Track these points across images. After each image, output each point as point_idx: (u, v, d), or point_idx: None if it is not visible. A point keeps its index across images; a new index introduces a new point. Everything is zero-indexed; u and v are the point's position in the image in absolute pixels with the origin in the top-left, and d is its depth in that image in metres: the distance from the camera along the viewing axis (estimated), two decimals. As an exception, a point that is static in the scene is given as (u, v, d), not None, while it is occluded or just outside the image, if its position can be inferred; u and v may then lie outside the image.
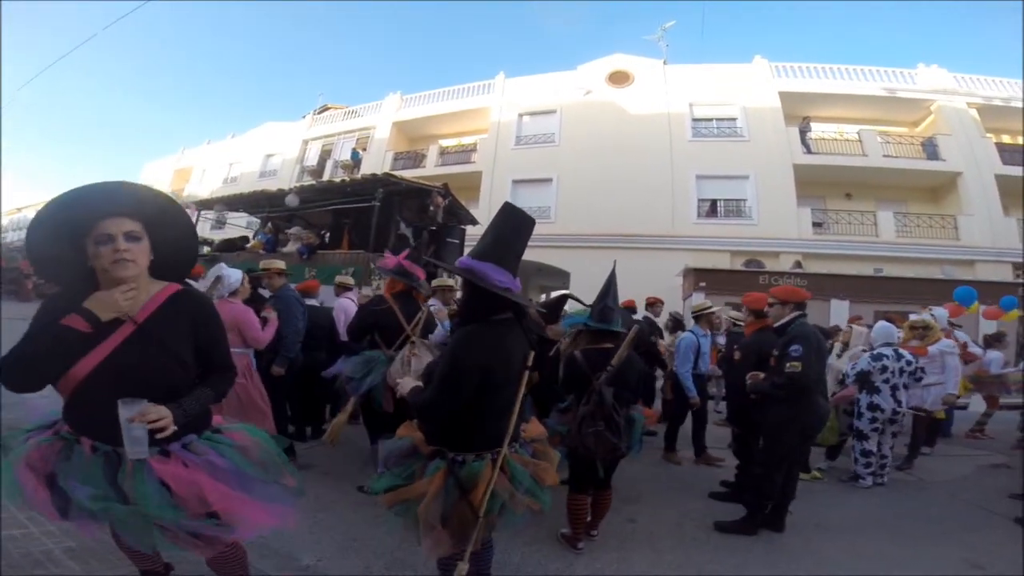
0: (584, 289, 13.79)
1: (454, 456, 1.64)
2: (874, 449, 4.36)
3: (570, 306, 4.27)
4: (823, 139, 14.65)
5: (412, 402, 1.73)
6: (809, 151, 14.12)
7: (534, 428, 1.99)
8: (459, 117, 18.48)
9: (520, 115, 17.09)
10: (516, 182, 16.04)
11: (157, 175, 27.37)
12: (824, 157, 14.01)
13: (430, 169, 17.26)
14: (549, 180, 15.64)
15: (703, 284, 10.80)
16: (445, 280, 5.06)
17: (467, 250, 7.89)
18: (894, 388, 4.30)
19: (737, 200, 13.83)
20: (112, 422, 1.24)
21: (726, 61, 16.37)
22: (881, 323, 4.74)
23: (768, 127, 14.25)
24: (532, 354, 1.77)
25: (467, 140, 18.60)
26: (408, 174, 15.91)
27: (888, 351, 4.36)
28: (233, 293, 3.39)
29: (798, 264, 11.88)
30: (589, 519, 2.89)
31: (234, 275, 3.45)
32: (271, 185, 18.77)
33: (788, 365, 3.04)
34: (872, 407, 4.33)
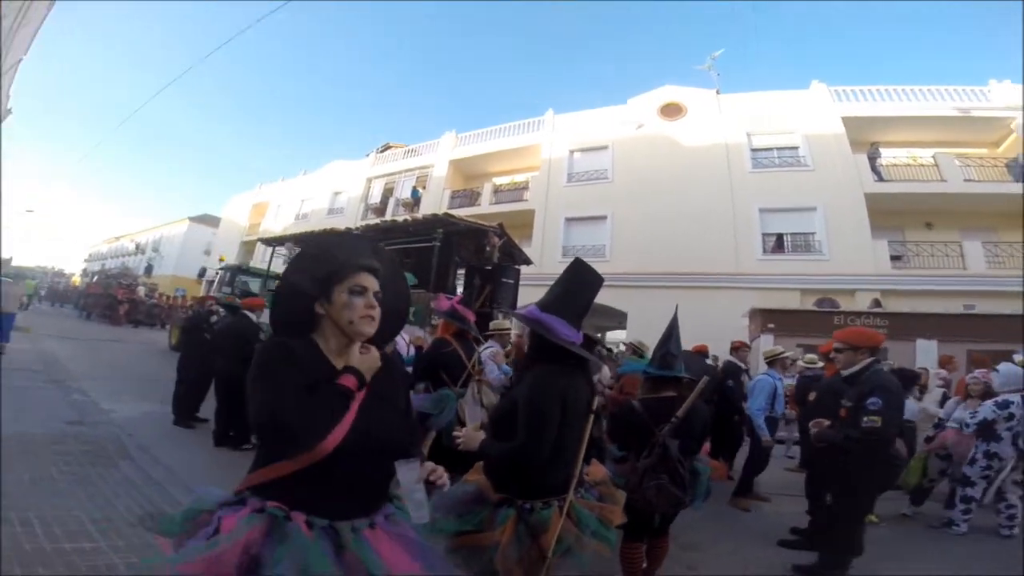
0: (642, 330, 13.56)
1: (523, 503, 1.68)
2: (977, 496, 4.15)
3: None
4: (895, 165, 13.75)
5: (494, 454, 1.77)
6: (881, 178, 13.29)
7: (597, 471, 2.02)
8: (511, 155, 18.88)
9: (571, 152, 17.19)
10: (569, 220, 16.09)
11: (238, 209, 29.71)
12: (898, 184, 13.14)
13: (484, 207, 17.64)
14: (603, 217, 15.55)
15: (771, 326, 10.28)
16: (502, 323, 5.14)
17: (521, 290, 8.00)
18: (1016, 436, 4.05)
19: (805, 234, 13.14)
20: (350, 491, 1.17)
21: (781, 88, 15.84)
22: (1006, 366, 4.44)
23: (833, 155, 13.56)
24: (597, 399, 1.84)
25: (520, 178, 18.93)
26: (464, 212, 16.37)
27: (1015, 398, 4.07)
28: None
29: (877, 302, 11.04)
30: (645, 567, 2.74)
31: None
32: (338, 222, 20.06)
33: (866, 419, 2.82)
34: (989, 455, 4.09)
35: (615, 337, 22.41)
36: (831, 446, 3.05)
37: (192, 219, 36.66)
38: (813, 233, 13.03)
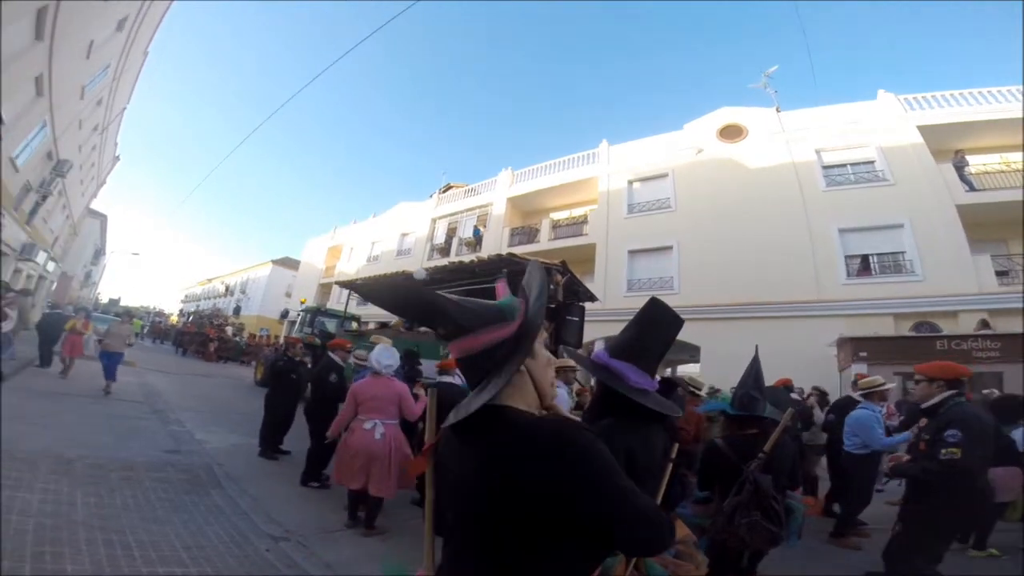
0: (716, 364, 12.93)
1: None
2: None
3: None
4: (986, 172, 12.36)
5: None
6: (972, 188, 11.96)
7: (679, 530, 1.83)
8: (568, 189, 18.94)
9: (630, 182, 16.98)
10: (632, 252, 15.72)
11: (315, 252, 31.82)
12: (992, 193, 11.73)
13: (544, 244, 17.67)
14: (669, 248, 15.05)
15: (863, 354, 9.42)
16: (566, 360, 5.08)
17: (587, 326, 7.87)
18: None
19: (894, 253, 11.99)
20: None
21: (843, 101, 14.85)
22: None
23: (914, 167, 12.49)
24: (676, 447, 1.72)
25: (578, 211, 18.93)
26: (523, 250, 16.59)
27: None
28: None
29: (985, 324, 9.83)
30: None
31: (394, 355, 4.22)
32: (407, 263, 20.96)
33: (944, 451, 2.80)
34: None
35: (686, 371, 21.45)
36: (912, 480, 3.05)
37: (274, 262, 39.62)
38: (903, 252, 11.87)
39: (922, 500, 2.99)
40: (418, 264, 20.02)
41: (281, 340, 19.69)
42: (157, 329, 33.99)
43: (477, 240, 20.32)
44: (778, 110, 15.43)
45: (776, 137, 14.69)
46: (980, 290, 10.77)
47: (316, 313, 15.52)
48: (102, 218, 36.34)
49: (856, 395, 5.36)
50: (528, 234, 19.02)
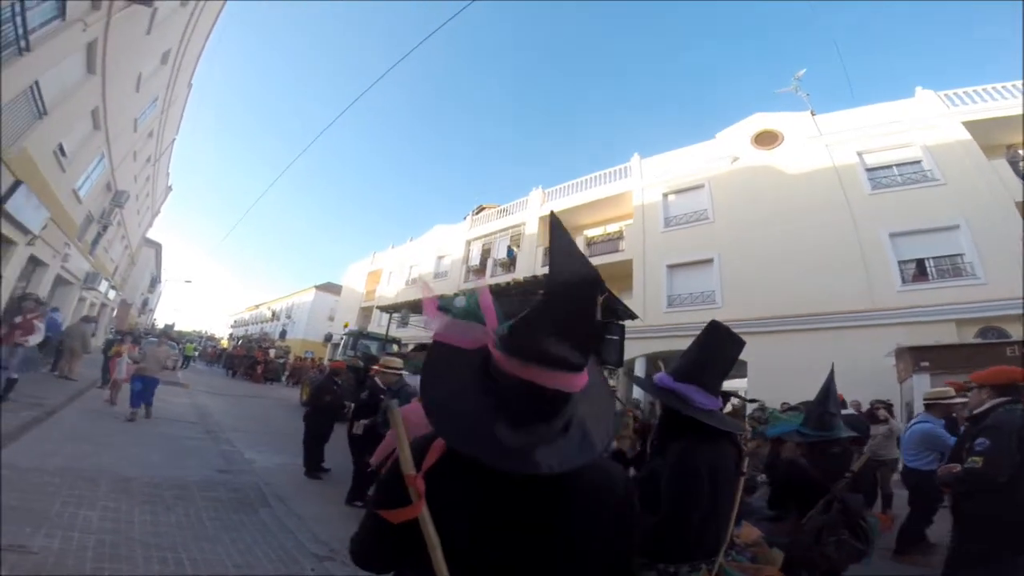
0: (765, 378, 12.40)
1: (665, 567, 1.58)
2: None
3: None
4: None
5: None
6: None
7: (750, 532, 1.93)
8: (601, 205, 18.77)
9: (665, 195, 16.69)
10: (671, 267, 15.36)
11: (356, 277, 32.74)
12: None
13: (579, 262, 17.59)
14: (709, 261, 14.60)
15: (925, 364, 8.83)
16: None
17: (627, 344, 7.73)
18: None
19: (951, 256, 11.25)
20: None
21: (879, 101, 14.25)
22: None
23: (966, 164, 11.78)
24: (746, 460, 1.80)
25: (612, 227, 18.76)
26: (559, 268, 16.37)
27: None
28: None
29: (1059, 327, 9.09)
30: None
31: None
32: (444, 286, 21.27)
33: (970, 459, 2.78)
34: None
35: (732, 386, 20.67)
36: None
37: (318, 287, 41.03)
38: (961, 254, 11.11)
39: (961, 511, 2.95)
40: (454, 287, 20.31)
41: (325, 362, 20.24)
42: (209, 353, 35.54)
43: (511, 261, 20.42)
44: (813, 113, 14.97)
45: (813, 141, 14.22)
46: (1050, 290, 9.95)
47: (359, 336, 15.99)
48: (157, 247, 38.65)
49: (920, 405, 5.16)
50: (562, 252, 18.86)
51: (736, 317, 13.09)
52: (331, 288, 39.64)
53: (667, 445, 1.77)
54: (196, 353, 31.92)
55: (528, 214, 21.00)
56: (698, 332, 1.83)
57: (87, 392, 9.75)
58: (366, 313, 28.32)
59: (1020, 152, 11.78)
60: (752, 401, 5.47)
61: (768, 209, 13.91)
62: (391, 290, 27.22)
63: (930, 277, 11.36)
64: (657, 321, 14.31)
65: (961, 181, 11.69)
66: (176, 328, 45.59)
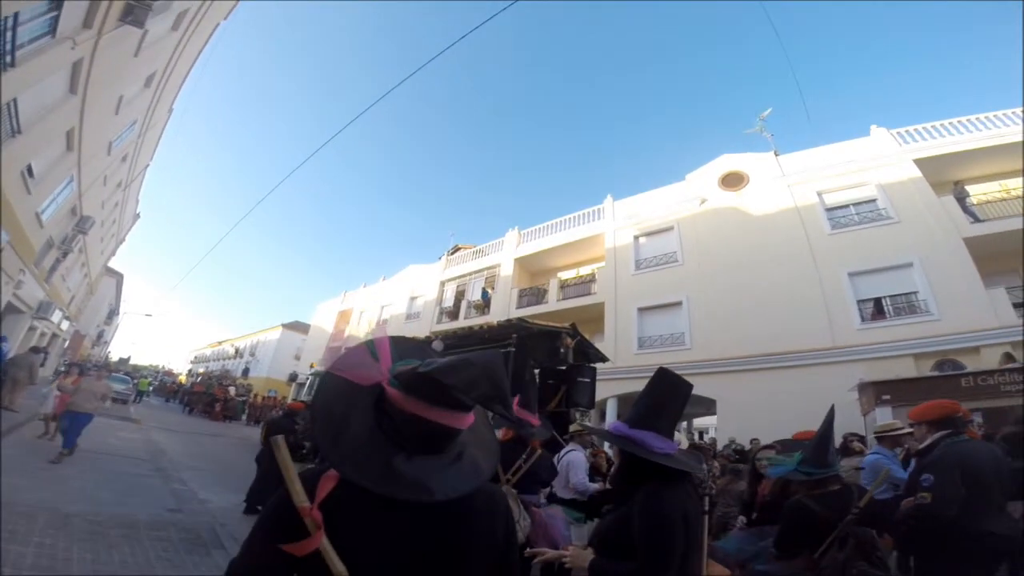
0: (733, 416, 12.58)
1: None
2: None
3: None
4: (988, 201, 12.23)
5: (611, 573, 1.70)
6: (977, 219, 11.81)
7: (717, 571, 1.99)
8: (575, 247, 18.93)
9: (636, 237, 16.98)
10: (642, 310, 15.49)
11: (325, 316, 32.02)
12: (998, 223, 11.51)
13: (552, 304, 17.46)
14: (678, 303, 14.82)
15: (887, 397, 9.07)
16: (580, 424, 5.11)
17: (598, 386, 7.74)
18: None
19: (906, 294, 11.76)
20: None
21: (837, 140, 15.02)
22: None
23: (916, 202, 12.43)
24: (707, 500, 1.85)
25: (585, 270, 18.88)
26: (532, 311, 16.49)
27: None
28: None
29: (1009, 357, 9.49)
30: None
31: None
32: (416, 328, 20.89)
33: (918, 495, 2.82)
34: None
35: (703, 423, 20.71)
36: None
37: (285, 326, 39.95)
38: (915, 292, 11.63)
39: (914, 549, 3.00)
40: (427, 328, 19.94)
41: (288, 401, 19.48)
42: (166, 388, 33.95)
43: (486, 303, 20.24)
44: (776, 154, 15.58)
45: (777, 182, 14.81)
46: (1000, 324, 10.44)
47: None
48: (119, 277, 37.15)
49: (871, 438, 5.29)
50: (536, 295, 18.86)
51: (705, 358, 13.33)
52: (299, 327, 38.69)
53: (630, 492, 1.78)
54: (151, 388, 30.44)
55: (503, 255, 20.98)
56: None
57: (29, 424, 9.09)
58: (334, 353, 27.56)
59: (966, 188, 12.48)
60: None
61: (734, 250, 14.33)
62: (361, 330, 26.67)
63: (887, 315, 11.81)
64: (628, 362, 14.35)
65: (913, 219, 12.28)
66: (132, 362, 43.40)
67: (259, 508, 5.87)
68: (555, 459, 4.85)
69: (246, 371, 37.49)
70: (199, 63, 17.72)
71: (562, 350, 7.63)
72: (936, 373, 10.05)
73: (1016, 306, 10.72)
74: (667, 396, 1.85)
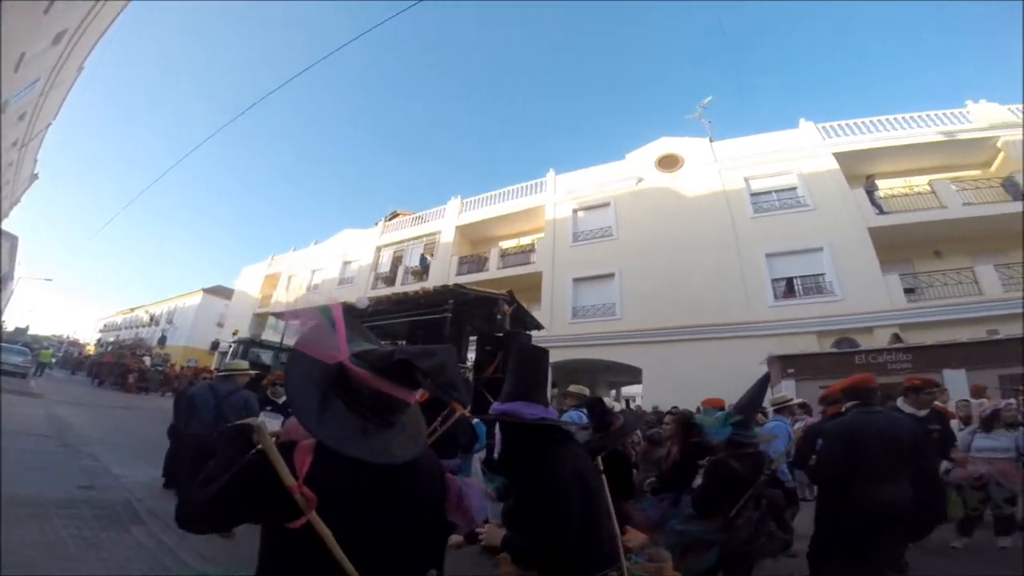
0: (658, 384, 13.33)
1: None
2: None
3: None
4: (893, 196, 13.68)
5: (526, 549, 1.72)
6: (882, 211, 13.20)
7: (635, 536, 2.06)
8: (516, 218, 19.23)
9: (575, 211, 17.47)
10: (577, 280, 16.04)
11: (251, 280, 30.27)
12: (900, 216, 13.00)
13: (492, 272, 17.71)
14: (611, 275, 15.47)
15: (791, 371, 10.07)
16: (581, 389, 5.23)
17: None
18: None
19: (815, 275, 13.02)
20: None
21: (770, 130, 16.11)
22: None
23: (832, 192, 13.68)
24: (599, 459, 1.93)
25: (526, 240, 19.18)
26: (472, 278, 16.53)
27: None
28: None
29: (897, 338, 10.82)
30: None
31: None
32: (349, 293, 20.28)
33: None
34: None
35: (629, 391, 21.95)
36: None
37: (206, 291, 37.32)
38: (823, 274, 12.91)
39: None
40: (360, 293, 19.41)
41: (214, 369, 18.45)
42: (72, 360, 31.02)
43: (424, 269, 20.04)
44: (711, 140, 16.43)
45: (709, 166, 15.67)
46: (892, 307, 11.86)
47: (250, 344, 14.75)
48: (13, 240, 33.02)
49: (770, 409, 5.58)
50: (477, 263, 18.97)
51: (633, 328, 14.06)
52: (222, 292, 36.27)
53: (525, 466, 1.80)
54: (54, 360, 27.75)
55: (445, 223, 20.79)
56: (600, 342, 2.01)
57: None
58: (261, 320, 26.24)
59: (876, 183, 13.77)
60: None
61: (666, 228, 15.09)
62: (290, 295, 25.52)
63: (797, 294, 13.05)
64: (563, 331, 14.85)
65: (827, 207, 13.50)
66: (31, 332, 39.18)
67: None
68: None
69: (163, 340, 34.89)
70: (119, 21, 16.00)
71: (499, 317, 7.70)
72: (835, 350, 11.26)
73: (907, 291, 12.14)
74: (530, 366, 1.91)
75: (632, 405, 18.47)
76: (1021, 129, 12.56)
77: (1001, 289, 11.69)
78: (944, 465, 4.69)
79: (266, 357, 13.45)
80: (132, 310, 50.44)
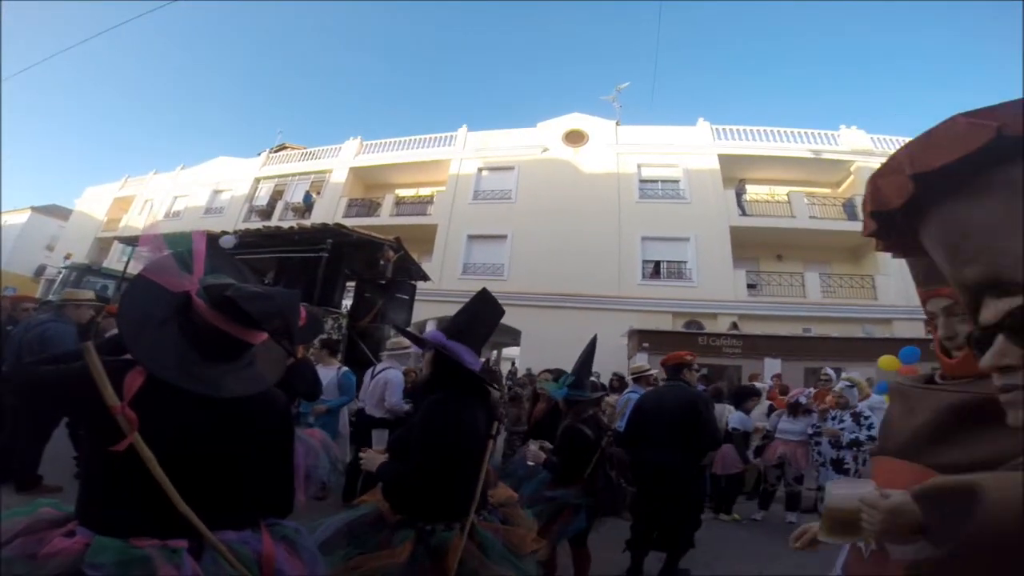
0: (535, 347, 13.87)
1: (423, 526, 1.64)
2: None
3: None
4: (757, 201, 15.41)
5: (389, 476, 1.76)
6: (744, 213, 14.81)
7: (501, 492, 2.05)
8: (419, 168, 18.56)
9: (480, 169, 17.35)
10: (471, 237, 16.09)
11: (96, 202, 25.93)
12: (758, 219, 14.71)
13: (384, 219, 17.07)
14: (504, 237, 15.74)
15: (646, 345, 11.10)
16: (400, 341, 5.02)
17: (417, 306, 7.83)
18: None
19: (679, 262, 14.42)
20: None
21: (675, 124, 17.12)
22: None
23: (708, 189, 15.01)
24: (496, 424, 1.94)
25: (425, 191, 18.66)
26: (361, 222, 15.71)
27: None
28: None
29: (734, 325, 12.45)
30: None
31: None
32: (216, 223, 18.23)
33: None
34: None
35: (509, 354, 22.82)
36: None
37: (35, 209, 31.25)
38: (685, 261, 14.34)
39: None
40: (230, 225, 17.46)
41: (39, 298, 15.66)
42: None
43: (308, 207, 18.58)
44: (618, 123, 17.13)
45: (610, 148, 16.39)
46: (735, 298, 13.62)
47: (85, 271, 12.79)
48: None
49: (628, 379, 6.22)
50: (368, 207, 18.12)
51: (517, 290, 14.47)
52: (56, 211, 30.63)
53: (425, 400, 1.83)
54: None
55: (338, 162, 19.40)
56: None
57: None
58: (104, 245, 22.71)
59: (746, 186, 15.42)
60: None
61: (560, 199, 15.58)
62: (144, 221, 22.36)
63: (661, 276, 14.45)
64: (451, 287, 14.81)
65: (701, 203, 14.86)
66: None
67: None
68: (368, 375, 4.76)
69: (-28, 262, 28.77)
70: None
71: (382, 263, 7.41)
72: (684, 330, 12.67)
73: (749, 286, 14.01)
74: (485, 316, 1.94)
75: (512, 367, 19.29)
76: (874, 158, 14.25)
77: (821, 295, 13.89)
78: (755, 443, 5.52)
79: (109, 288, 11.72)
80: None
